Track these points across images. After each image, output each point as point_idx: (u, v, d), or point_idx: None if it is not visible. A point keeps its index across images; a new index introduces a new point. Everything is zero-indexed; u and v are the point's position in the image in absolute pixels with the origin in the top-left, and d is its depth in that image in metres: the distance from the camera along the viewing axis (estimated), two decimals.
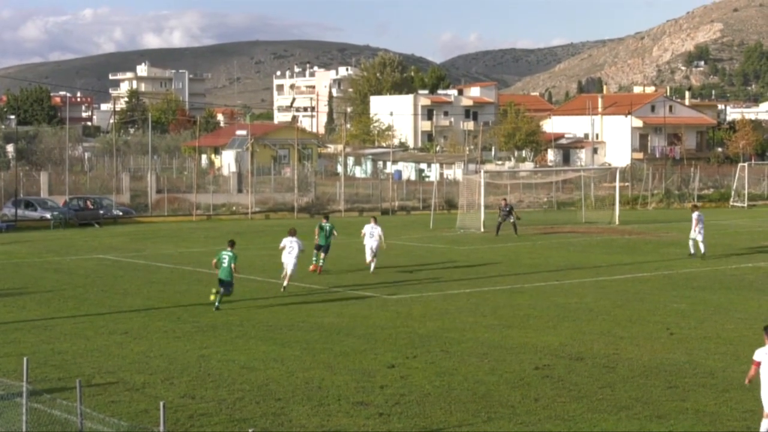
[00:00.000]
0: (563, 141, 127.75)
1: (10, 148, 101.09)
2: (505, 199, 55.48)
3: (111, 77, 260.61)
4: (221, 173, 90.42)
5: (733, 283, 33.39)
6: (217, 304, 27.79)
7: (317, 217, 56.80)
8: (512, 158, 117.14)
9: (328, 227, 36.37)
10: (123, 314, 27.23)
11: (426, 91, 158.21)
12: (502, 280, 34.44)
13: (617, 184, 63.83)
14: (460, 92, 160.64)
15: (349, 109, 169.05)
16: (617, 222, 58.53)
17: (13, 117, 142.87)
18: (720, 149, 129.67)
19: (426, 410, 17.19)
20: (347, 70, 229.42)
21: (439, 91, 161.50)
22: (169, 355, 21.60)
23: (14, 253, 44.11)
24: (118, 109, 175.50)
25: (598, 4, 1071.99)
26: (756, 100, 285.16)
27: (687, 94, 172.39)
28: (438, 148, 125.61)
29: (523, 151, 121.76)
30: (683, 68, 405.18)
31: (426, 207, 69.43)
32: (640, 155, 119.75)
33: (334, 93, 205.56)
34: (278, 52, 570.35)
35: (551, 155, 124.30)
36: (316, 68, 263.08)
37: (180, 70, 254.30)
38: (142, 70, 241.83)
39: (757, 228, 56.84)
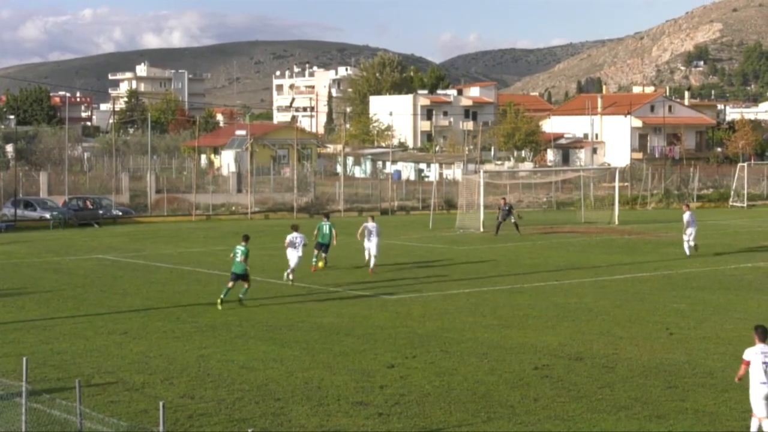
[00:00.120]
0: (562, 141, 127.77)
1: (9, 148, 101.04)
2: (504, 199, 55.46)
3: (110, 77, 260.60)
4: (220, 173, 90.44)
5: (733, 283, 33.40)
6: (220, 300, 28.10)
7: (317, 217, 56.84)
8: (512, 158, 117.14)
9: (327, 226, 36.66)
10: (122, 314, 27.23)
11: (425, 91, 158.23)
12: (501, 280, 34.44)
13: (617, 184, 63.88)
14: (460, 92, 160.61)
15: (348, 109, 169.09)
16: (617, 222, 58.54)
17: (12, 117, 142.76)
18: (719, 149, 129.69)
19: (425, 410, 17.19)
20: (347, 70, 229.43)
21: (439, 91, 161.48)
22: (168, 355, 21.60)
23: (13, 253, 44.10)
24: (117, 109, 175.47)
25: (597, 4, 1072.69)
26: (755, 100, 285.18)
27: (686, 94, 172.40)
28: (437, 148, 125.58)
29: (523, 151, 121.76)
30: (682, 68, 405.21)
31: (425, 207, 69.45)
32: (639, 155, 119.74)
33: (334, 93, 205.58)
34: (278, 52, 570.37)
35: (551, 155, 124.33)
36: (315, 68, 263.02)
37: (179, 70, 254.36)
38: (142, 70, 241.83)
39: (757, 228, 56.84)
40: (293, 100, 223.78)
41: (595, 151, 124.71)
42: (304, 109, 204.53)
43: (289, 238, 32.41)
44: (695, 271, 36.51)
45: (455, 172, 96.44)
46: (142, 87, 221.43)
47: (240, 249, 28.58)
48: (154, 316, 26.80)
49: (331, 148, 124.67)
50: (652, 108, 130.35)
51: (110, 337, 23.77)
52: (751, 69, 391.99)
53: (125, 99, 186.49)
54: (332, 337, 23.69)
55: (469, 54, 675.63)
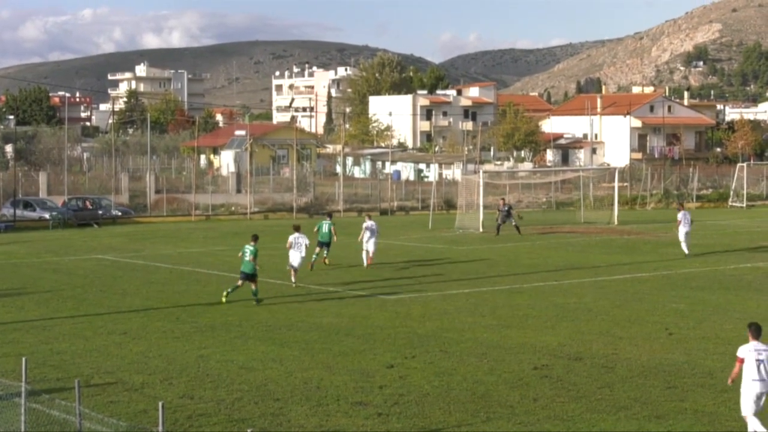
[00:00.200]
0: (562, 141, 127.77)
1: (8, 148, 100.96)
2: (503, 199, 55.42)
3: (110, 77, 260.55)
4: (220, 173, 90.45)
5: (732, 284, 33.40)
6: (254, 297, 28.61)
7: (316, 218, 56.88)
8: (511, 158, 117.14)
9: (327, 225, 37.01)
10: (122, 314, 27.22)
11: (425, 92, 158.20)
12: (501, 280, 34.45)
13: (616, 184, 63.88)
14: (459, 92, 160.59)
15: (348, 110, 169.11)
16: (616, 222, 58.54)
17: (12, 117, 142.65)
18: (719, 149, 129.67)
19: (425, 410, 17.19)
20: (346, 70, 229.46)
21: (438, 92, 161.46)
22: (167, 356, 21.59)
23: (13, 254, 44.09)
24: (117, 109, 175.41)
25: (597, 5, 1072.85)
26: (755, 100, 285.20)
27: (686, 94, 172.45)
28: (437, 149, 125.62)
29: (522, 152, 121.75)
30: (682, 68, 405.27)
31: (425, 207, 69.45)
32: (638, 155, 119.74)
33: (333, 93, 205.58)
34: (277, 52, 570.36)
35: (550, 155, 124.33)
36: (315, 68, 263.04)
37: (179, 71, 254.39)
38: (141, 70, 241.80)
39: (756, 228, 56.85)
40: (293, 100, 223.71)
41: (594, 151, 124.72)
42: (304, 110, 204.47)
43: (290, 238, 32.45)
44: (695, 271, 36.51)
45: (455, 173, 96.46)
46: (142, 87, 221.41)
47: (249, 249, 28.77)
48: (154, 317, 26.80)
49: (330, 149, 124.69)
50: (652, 108, 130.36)
51: (110, 338, 23.77)
52: (750, 69, 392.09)
53: (125, 99, 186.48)
54: (331, 337, 23.69)
55: (469, 54, 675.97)
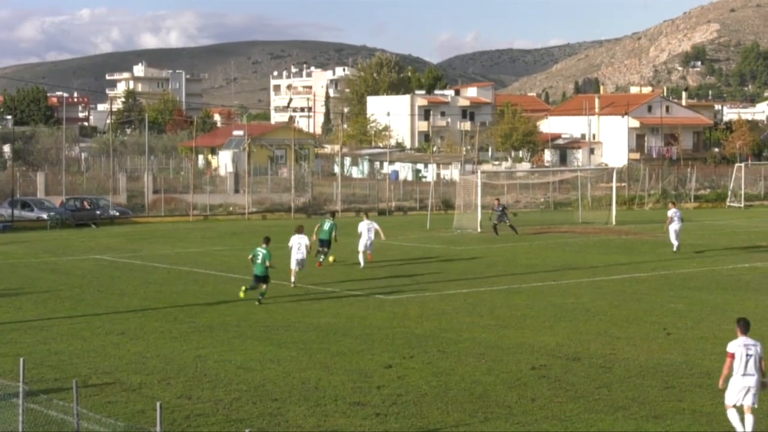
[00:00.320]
0: (560, 141, 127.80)
1: (6, 148, 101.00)
2: (498, 200, 55.42)
3: (108, 77, 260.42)
4: (218, 173, 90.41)
5: (730, 284, 33.42)
6: (259, 297, 28.76)
7: (314, 218, 56.89)
8: (509, 158, 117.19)
9: (328, 224, 37.45)
10: (120, 315, 27.22)
11: (423, 92, 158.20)
12: (499, 280, 34.46)
13: (614, 184, 63.88)
14: (457, 92, 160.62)
15: (346, 110, 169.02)
16: (614, 222, 58.55)
17: (9, 117, 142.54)
18: (717, 149, 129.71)
19: (423, 410, 17.19)
20: (344, 70, 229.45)
21: (436, 92, 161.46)
22: (165, 356, 21.59)
23: (11, 254, 44.08)
24: (114, 109, 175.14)
25: (594, 5, 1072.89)
26: (752, 100, 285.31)
27: (684, 94, 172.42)
28: (435, 149, 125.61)
29: (520, 152, 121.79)
30: (680, 68, 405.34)
31: (423, 207, 69.47)
32: (636, 155, 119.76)
33: (331, 93, 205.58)
34: (275, 52, 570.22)
35: (548, 155, 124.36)
36: (313, 68, 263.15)
37: (177, 71, 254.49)
38: (139, 70, 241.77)
39: (754, 228, 56.87)
40: (291, 100, 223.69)
41: (592, 151, 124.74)
42: (302, 110, 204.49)
43: (292, 240, 32.58)
44: (692, 272, 36.53)
45: (453, 173, 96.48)
46: (140, 87, 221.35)
47: (262, 252, 28.91)
48: (152, 317, 26.80)
49: (328, 149, 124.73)
50: (650, 108, 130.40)
51: (107, 338, 23.76)
52: (748, 69, 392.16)
53: (122, 99, 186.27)
54: (329, 338, 23.69)
55: (467, 54, 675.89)
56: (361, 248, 37.97)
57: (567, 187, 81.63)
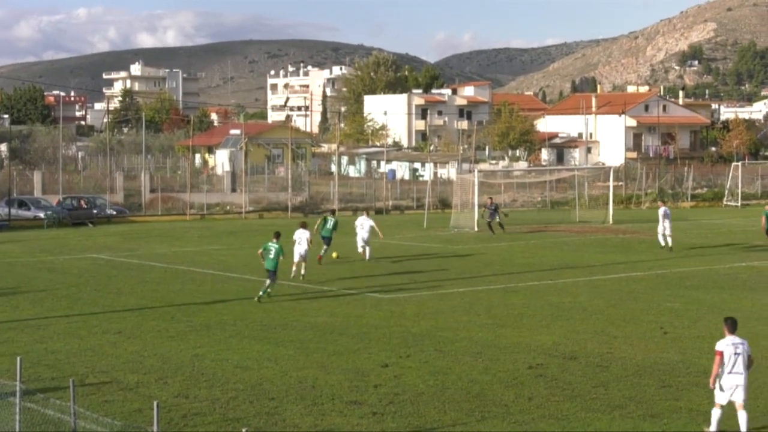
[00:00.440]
0: (557, 140, 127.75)
1: (3, 147, 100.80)
2: (491, 198, 55.47)
3: (105, 76, 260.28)
4: (215, 172, 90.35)
5: (727, 283, 33.44)
6: (267, 292, 29.09)
7: (311, 217, 56.84)
8: (506, 157, 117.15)
9: (332, 221, 38.59)
10: (116, 314, 27.20)
11: (420, 91, 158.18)
12: (495, 279, 34.46)
13: (611, 183, 63.87)
14: (454, 92, 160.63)
15: (343, 109, 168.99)
16: (611, 221, 58.58)
17: (6, 116, 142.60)
18: (713, 149, 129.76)
19: (420, 409, 17.19)
20: (341, 69, 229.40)
21: (433, 91, 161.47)
22: (162, 355, 21.58)
23: (7, 253, 44.03)
24: (111, 108, 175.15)
25: (591, 4, 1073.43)
26: (749, 99, 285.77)
27: (681, 93, 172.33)
28: (432, 148, 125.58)
29: (517, 151, 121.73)
30: (677, 68, 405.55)
31: (420, 206, 69.47)
32: (633, 154, 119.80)
33: (328, 92, 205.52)
34: (272, 51, 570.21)
35: (545, 154, 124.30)
36: (310, 68, 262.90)
37: (174, 70, 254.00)
38: (136, 69, 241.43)
39: (751, 227, 56.83)
40: (288, 99, 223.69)
41: (589, 150, 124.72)
42: (299, 109, 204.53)
43: (295, 235, 33.12)
44: (689, 270, 36.56)
45: (450, 172, 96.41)
46: (137, 86, 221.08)
47: (274, 246, 29.30)
48: (149, 316, 26.78)
49: (325, 148, 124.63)
50: (647, 107, 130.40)
51: (104, 337, 23.74)
52: (745, 68, 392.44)
53: (119, 98, 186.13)
54: (326, 337, 23.69)
55: (464, 53, 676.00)
56: (359, 245, 39.14)
57: (564, 186, 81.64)
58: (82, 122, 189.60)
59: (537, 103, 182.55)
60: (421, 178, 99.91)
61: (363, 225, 39.34)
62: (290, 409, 17.19)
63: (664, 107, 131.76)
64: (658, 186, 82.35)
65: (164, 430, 15.50)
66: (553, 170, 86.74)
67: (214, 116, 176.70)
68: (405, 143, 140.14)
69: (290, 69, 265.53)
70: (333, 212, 42.55)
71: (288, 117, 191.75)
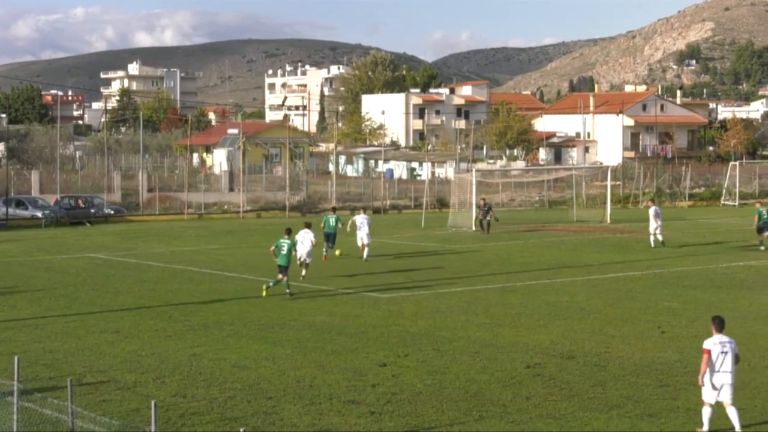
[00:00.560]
0: (555, 140, 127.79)
1: (1, 146, 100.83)
2: (483, 199, 55.48)
3: (102, 76, 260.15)
4: (213, 172, 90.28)
5: (724, 282, 33.45)
6: (287, 291, 29.45)
7: (309, 216, 56.84)
8: (504, 157, 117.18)
9: (333, 219, 39.37)
10: (114, 313, 27.19)
11: (418, 90, 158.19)
12: (493, 278, 34.46)
13: (609, 182, 63.90)
14: (452, 91, 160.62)
15: (340, 108, 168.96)
16: (609, 221, 58.60)
17: (4, 116, 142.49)
18: (711, 148, 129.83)
19: (417, 409, 17.19)
20: (339, 68, 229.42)
21: (431, 90, 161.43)
22: (160, 354, 21.57)
23: (5, 252, 44.00)
24: (109, 107, 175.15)
25: (589, 3, 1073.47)
26: (747, 98, 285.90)
27: (678, 92, 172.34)
28: (429, 147, 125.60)
29: (515, 150, 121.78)
30: (675, 67, 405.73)
31: (417, 206, 69.46)
32: (631, 154, 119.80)
33: (326, 92, 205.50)
34: (270, 50, 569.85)
35: (543, 154, 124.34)
36: (307, 67, 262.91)
37: (171, 69, 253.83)
38: (134, 68, 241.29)
39: (748, 227, 56.68)
40: (285, 98, 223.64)
41: (587, 149, 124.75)
42: (297, 108, 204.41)
43: (298, 235, 32.99)
44: (687, 270, 36.57)
45: (447, 171, 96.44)
46: (134, 86, 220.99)
47: (285, 242, 29.77)
48: (146, 315, 26.77)
49: (323, 147, 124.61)
50: (644, 107, 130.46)
51: (102, 336, 23.73)
52: (742, 68, 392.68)
53: (117, 97, 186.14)
54: (324, 336, 23.68)
55: (462, 53, 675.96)
56: (359, 242, 39.54)
57: (562, 186, 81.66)
58: (80, 122, 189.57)
59: (535, 102, 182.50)
60: (418, 178, 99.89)
61: (362, 222, 39.66)
62: (288, 408, 17.18)
63: (662, 107, 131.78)
64: (655, 185, 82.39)
65: (162, 430, 15.50)
66: (550, 170, 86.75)
67: (211, 116, 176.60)
68: (403, 143, 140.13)
69: (288, 68, 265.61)
70: (333, 210, 43.46)
71: (286, 116, 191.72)
